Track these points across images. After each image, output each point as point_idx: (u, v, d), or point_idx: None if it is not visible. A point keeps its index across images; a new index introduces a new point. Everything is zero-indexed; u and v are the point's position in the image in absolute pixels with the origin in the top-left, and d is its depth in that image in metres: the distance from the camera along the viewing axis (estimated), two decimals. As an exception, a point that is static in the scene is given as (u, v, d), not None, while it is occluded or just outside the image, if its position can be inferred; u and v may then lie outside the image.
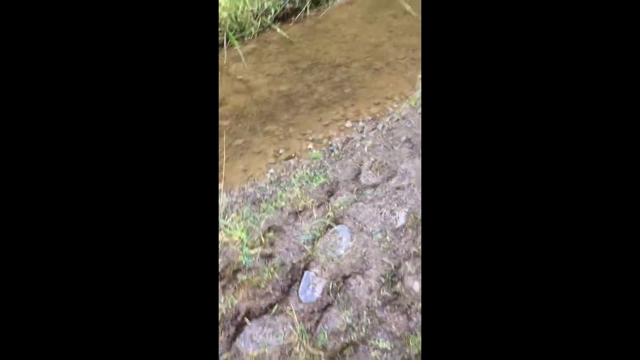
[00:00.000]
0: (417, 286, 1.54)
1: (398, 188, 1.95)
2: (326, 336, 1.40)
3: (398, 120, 2.43)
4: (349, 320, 1.45)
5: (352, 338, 1.40)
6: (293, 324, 1.44)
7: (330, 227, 1.77)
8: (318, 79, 2.88)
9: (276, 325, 1.44)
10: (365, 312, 1.47)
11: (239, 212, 1.86)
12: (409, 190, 1.93)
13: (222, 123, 2.52)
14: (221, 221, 1.78)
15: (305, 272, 1.60)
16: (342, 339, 1.40)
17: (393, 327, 1.43)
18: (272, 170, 2.14)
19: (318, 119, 2.52)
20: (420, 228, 1.75)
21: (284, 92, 2.76)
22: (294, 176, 2.05)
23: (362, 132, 2.37)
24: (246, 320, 1.44)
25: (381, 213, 1.83)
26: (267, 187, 2.02)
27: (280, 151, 2.29)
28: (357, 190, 1.96)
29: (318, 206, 1.87)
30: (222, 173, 2.09)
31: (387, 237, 1.73)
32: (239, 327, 1.43)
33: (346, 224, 1.79)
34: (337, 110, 2.59)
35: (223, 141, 2.35)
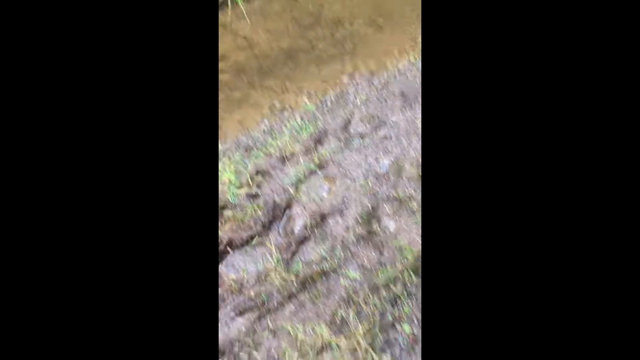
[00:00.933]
0: (392, 225, 1.61)
1: (385, 137, 1.98)
2: (300, 265, 1.51)
3: (395, 75, 2.42)
4: (323, 253, 1.54)
5: (325, 267, 1.49)
6: (271, 254, 1.55)
7: (315, 172, 1.85)
8: (320, 35, 2.87)
9: (256, 254, 1.55)
10: (339, 246, 1.56)
11: (230, 157, 1.96)
12: (395, 140, 1.96)
13: (223, 77, 2.59)
14: (213, 164, 1.89)
15: (287, 210, 1.70)
16: (314, 267, 1.50)
17: (365, 260, 1.51)
18: (266, 121, 2.21)
19: (316, 74, 2.55)
20: (404, 174, 1.79)
21: (284, 48, 2.79)
22: (286, 126, 2.12)
23: (357, 86, 2.39)
24: (228, 249, 1.56)
25: (366, 160, 1.88)
26: (260, 136, 2.11)
27: (276, 104, 2.35)
28: (345, 139, 2.01)
29: (305, 153, 1.94)
30: (219, 123, 2.18)
31: (369, 182, 1.78)
32: (222, 255, 1.56)
33: (331, 170, 1.86)
34: (335, 66, 2.60)
35: (222, 94, 2.43)
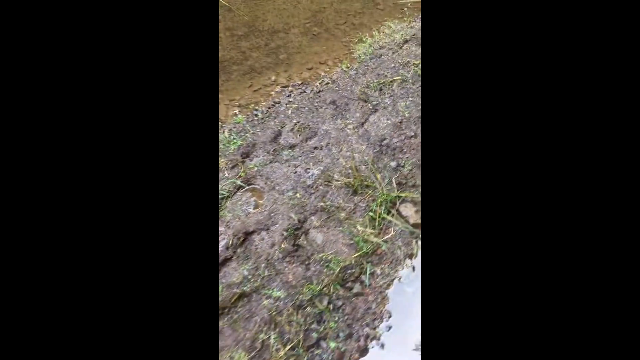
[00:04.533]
0: (319, 238, 1.56)
1: (316, 148, 1.94)
2: (220, 289, 1.41)
3: (328, 83, 2.41)
4: (246, 273, 1.46)
5: (246, 289, 1.41)
6: (190, 279, 1.44)
7: (241, 187, 1.77)
8: (254, 45, 2.82)
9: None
10: (263, 265, 1.48)
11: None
12: (326, 150, 1.93)
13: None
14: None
15: (210, 230, 1.61)
16: (234, 290, 1.41)
17: (290, 276, 1.45)
18: (193, 136, 2.11)
19: (248, 85, 2.48)
20: (333, 183, 1.76)
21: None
22: (213, 140, 2.03)
23: (289, 96, 2.34)
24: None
25: (295, 172, 1.83)
26: (186, 152, 2.00)
27: (206, 117, 2.25)
28: (274, 151, 1.95)
29: (232, 167, 1.86)
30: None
31: (298, 194, 1.73)
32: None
33: (258, 184, 1.79)
34: (268, 76, 2.55)
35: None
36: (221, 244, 1.55)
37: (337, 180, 1.76)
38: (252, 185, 1.78)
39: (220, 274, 1.46)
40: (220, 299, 1.38)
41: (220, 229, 1.61)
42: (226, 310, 1.35)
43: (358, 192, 1.71)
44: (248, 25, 3.00)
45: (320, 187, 1.76)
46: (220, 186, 1.76)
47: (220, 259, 1.50)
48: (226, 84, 2.49)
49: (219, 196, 1.72)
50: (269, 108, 2.25)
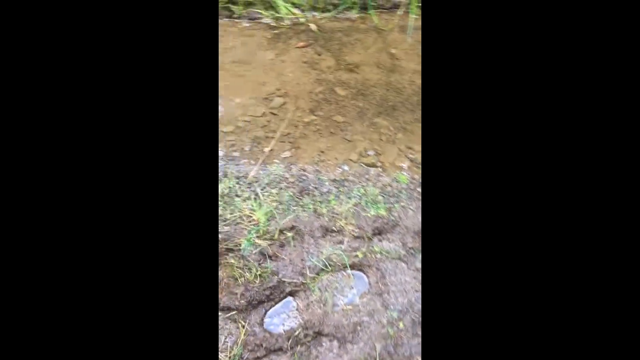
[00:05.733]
0: None
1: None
2: (252, 380, 1.18)
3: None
4: (287, 383, 1.18)
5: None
6: (232, 344, 1.25)
7: (347, 268, 1.45)
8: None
9: (221, 327, 1.28)
10: (309, 388, 1.17)
11: (268, 191, 1.69)
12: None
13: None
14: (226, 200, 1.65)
15: (288, 298, 1.36)
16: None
17: None
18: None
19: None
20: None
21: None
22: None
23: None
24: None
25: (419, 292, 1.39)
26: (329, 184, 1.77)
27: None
28: (411, 249, 1.53)
29: (355, 237, 1.55)
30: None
31: (402, 324, 1.31)
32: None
33: (369, 275, 1.43)
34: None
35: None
36: (291, 324, 1.30)
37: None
38: (361, 273, 1.44)
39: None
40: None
41: (298, 303, 1.35)
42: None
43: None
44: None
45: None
46: (326, 253, 1.48)
47: (278, 345, 1.26)
48: (412, 125, 2.12)
49: (321, 263, 1.45)
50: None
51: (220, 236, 1.51)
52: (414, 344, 1.28)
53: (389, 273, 1.45)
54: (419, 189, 1.77)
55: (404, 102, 2.26)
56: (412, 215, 1.64)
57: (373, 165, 1.87)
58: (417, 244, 1.55)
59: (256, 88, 2.25)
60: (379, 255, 1.50)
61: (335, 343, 1.27)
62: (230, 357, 1.21)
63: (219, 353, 1.22)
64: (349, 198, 1.69)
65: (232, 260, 1.43)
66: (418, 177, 1.84)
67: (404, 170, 1.87)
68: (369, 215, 1.63)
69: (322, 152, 1.93)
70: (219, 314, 1.31)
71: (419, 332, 1.31)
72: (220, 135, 1.97)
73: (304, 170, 1.82)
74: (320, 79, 2.34)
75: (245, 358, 1.22)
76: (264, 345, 1.25)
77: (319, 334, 1.29)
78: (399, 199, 1.72)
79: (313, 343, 1.27)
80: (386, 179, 1.81)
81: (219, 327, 1.28)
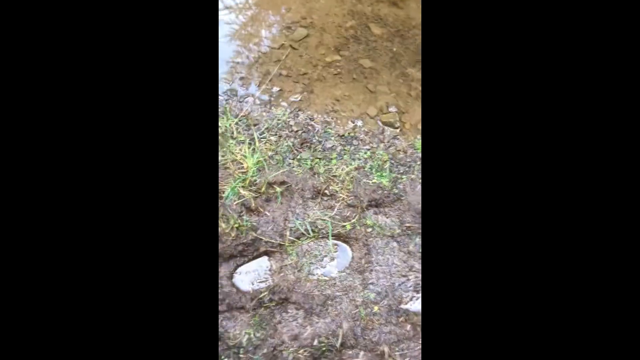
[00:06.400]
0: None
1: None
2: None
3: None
4: (247, 339, 1.15)
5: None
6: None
7: (333, 239, 1.33)
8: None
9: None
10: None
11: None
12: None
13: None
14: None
15: (263, 257, 1.29)
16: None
17: None
18: (357, 125, 1.64)
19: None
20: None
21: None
22: (367, 151, 1.54)
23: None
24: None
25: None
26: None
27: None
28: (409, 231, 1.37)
29: (347, 206, 1.40)
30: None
31: (376, 309, 1.21)
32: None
33: (353, 247, 1.31)
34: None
35: (350, 56, 1.87)
36: (257, 285, 1.24)
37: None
38: (346, 245, 1.32)
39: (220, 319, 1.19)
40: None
41: (266, 266, 1.27)
42: None
43: None
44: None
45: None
46: (312, 217, 1.35)
47: (238, 302, 1.21)
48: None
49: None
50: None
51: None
52: (385, 331, 1.19)
53: (377, 251, 1.32)
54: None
55: (448, 52, 1.91)
56: (419, 191, 1.45)
57: (391, 125, 1.64)
58: (417, 224, 1.38)
59: (278, 13, 1.97)
60: (369, 230, 1.35)
61: (301, 312, 1.21)
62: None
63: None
64: (353, 160, 1.51)
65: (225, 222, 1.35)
66: (440, 146, 1.60)
67: (426, 136, 1.63)
68: (369, 182, 1.45)
69: (338, 100, 1.70)
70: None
71: (393, 321, 1.21)
72: (229, 66, 1.78)
73: (312, 120, 1.62)
74: (355, 10, 2.00)
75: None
76: (227, 301, 1.21)
77: (286, 300, 1.23)
78: (410, 169, 1.51)
79: (278, 308, 1.21)
80: (402, 143, 1.59)
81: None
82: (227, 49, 1.84)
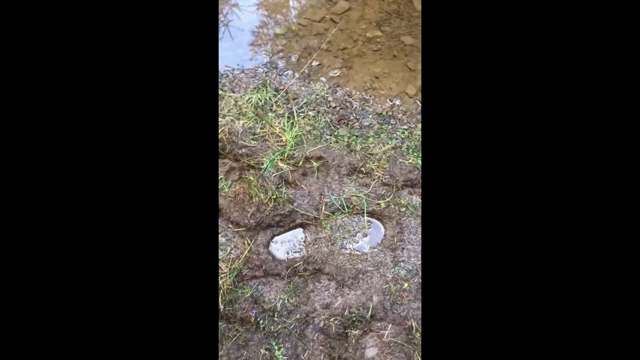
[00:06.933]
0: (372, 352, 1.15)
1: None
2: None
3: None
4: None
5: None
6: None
7: (364, 215, 1.35)
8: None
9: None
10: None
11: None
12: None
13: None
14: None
15: (298, 229, 1.33)
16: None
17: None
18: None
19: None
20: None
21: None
22: (404, 131, 1.53)
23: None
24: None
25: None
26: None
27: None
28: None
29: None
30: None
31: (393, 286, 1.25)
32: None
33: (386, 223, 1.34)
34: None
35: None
36: (292, 254, 1.29)
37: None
38: (379, 223, 1.35)
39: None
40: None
41: (301, 237, 1.32)
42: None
43: None
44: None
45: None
46: (348, 193, 1.38)
47: (274, 269, 1.27)
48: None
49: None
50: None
51: (244, 150, 1.46)
52: (414, 307, 1.23)
53: (410, 230, 1.34)
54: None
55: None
56: (456, 174, 1.45)
57: (430, 106, 1.62)
58: (451, 207, 1.38)
59: (321, -15, 1.93)
60: (403, 209, 1.37)
61: (333, 283, 1.26)
62: (230, 269, 1.26)
63: (221, 263, 1.27)
64: (390, 139, 1.50)
65: (251, 178, 1.39)
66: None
67: (465, 119, 1.60)
68: (406, 162, 1.45)
69: (377, 77, 1.68)
70: (229, 226, 1.33)
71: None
72: (269, 38, 1.77)
73: (350, 96, 1.62)
74: (399, -16, 1.94)
75: (244, 274, 1.26)
76: (263, 267, 1.28)
77: (319, 270, 1.28)
78: (448, 151, 1.50)
79: (311, 278, 1.27)
80: (440, 124, 1.57)
81: (228, 239, 1.31)
82: (264, 20, 1.83)
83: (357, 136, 1.50)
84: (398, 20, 1.84)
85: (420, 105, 1.62)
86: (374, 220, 1.36)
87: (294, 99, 1.58)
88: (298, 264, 1.28)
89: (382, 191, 1.40)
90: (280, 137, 1.47)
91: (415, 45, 1.77)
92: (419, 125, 1.55)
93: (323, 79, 1.66)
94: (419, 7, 1.87)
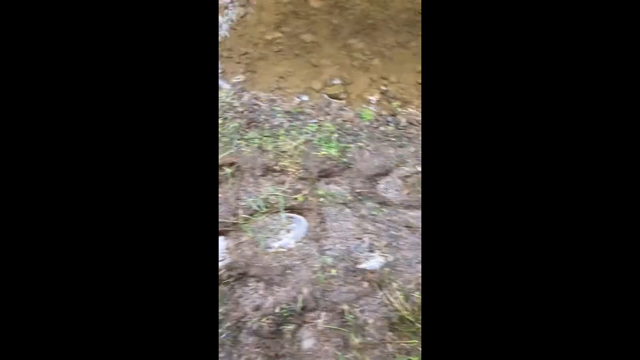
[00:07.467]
0: (309, 343, 1.16)
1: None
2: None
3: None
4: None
5: None
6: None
7: (288, 211, 1.37)
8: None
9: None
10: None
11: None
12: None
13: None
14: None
15: (219, 237, 1.32)
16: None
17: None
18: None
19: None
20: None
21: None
22: (314, 125, 1.57)
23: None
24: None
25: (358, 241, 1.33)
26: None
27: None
28: (360, 194, 1.43)
29: (297, 179, 1.44)
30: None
31: (334, 271, 1.28)
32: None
33: (308, 218, 1.36)
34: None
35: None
36: (221, 263, 1.27)
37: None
38: (300, 217, 1.37)
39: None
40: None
41: (222, 245, 1.30)
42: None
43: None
44: None
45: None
46: (265, 194, 1.39)
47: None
48: (393, 50, 1.85)
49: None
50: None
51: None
52: (343, 291, 1.26)
53: (331, 218, 1.38)
54: (383, 128, 1.60)
55: (388, 20, 1.94)
56: (367, 158, 1.51)
57: (337, 97, 1.67)
58: (367, 189, 1.44)
59: (215, -6, 1.94)
60: (322, 199, 1.40)
61: (261, 284, 1.25)
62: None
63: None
64: (301, 134, 1.54)
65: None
66: (386, 112, 1.65)
67: (372, 105, 1.68)
68: (318, 155, 1.49)
69: (282, 77, 1.71)
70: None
71: (351, 280, 1.28)
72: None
73: (257, 99, 1.63)
74: (292, -15, 1.99)
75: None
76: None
77: (244, 274, 1.27)
78: (358, 138, 1.56)
79: (238, 283, 1.25)
80: (348, 113, 1.63)
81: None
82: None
83: (268, 136, 1.52)
84: (296, 19, 1.88)
85: (327, 97, 1.67)
86: (294, 215, 1.38)
87: (200, 110, 1.56)
88: (221, 272, 1.26)
89: (299, 186, 1.43)
90: (189, 149, 1.45)
91: (316, 42, 1.83)
92: (328, 117, 1.60)
93: (227, 85, 1.66)
94: (315, 4, 1.93)
